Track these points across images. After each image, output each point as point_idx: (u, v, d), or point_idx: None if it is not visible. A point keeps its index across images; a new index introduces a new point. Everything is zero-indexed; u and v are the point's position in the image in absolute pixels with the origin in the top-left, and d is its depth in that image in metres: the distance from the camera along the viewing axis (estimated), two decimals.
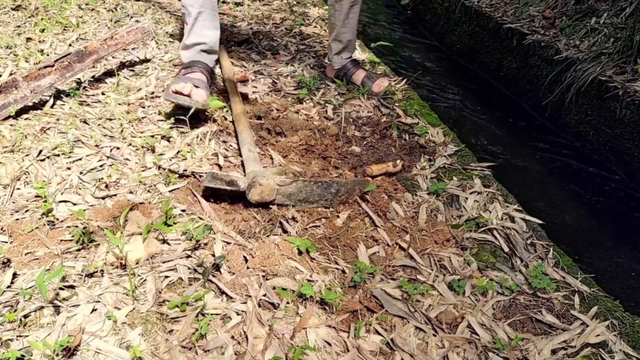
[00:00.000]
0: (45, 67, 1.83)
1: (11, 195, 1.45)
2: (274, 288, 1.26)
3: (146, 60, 2.33)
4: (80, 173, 1.56)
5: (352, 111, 2.16)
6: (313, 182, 1.52)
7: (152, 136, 1.78)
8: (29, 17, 2.57)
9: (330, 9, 2.24)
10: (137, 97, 2.01)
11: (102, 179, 1.53)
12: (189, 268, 1.28)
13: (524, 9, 3.24)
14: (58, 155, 1.63)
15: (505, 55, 3.16)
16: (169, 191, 1.53)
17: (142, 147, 1.71)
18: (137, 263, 1.27)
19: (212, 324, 1.14)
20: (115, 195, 1.49)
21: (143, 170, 1.61)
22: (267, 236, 1.41)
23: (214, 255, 1.32)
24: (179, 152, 1.71)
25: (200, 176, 1.62)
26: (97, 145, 1.70)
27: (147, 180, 1.56)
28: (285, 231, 1.45)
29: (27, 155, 1.61)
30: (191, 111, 1.77)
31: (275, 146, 1.83)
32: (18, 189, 1.48)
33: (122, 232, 1.31)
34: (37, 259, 1.26)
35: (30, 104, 1.84)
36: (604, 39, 2.69)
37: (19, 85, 1.76)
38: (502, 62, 3.18)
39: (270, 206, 1.51)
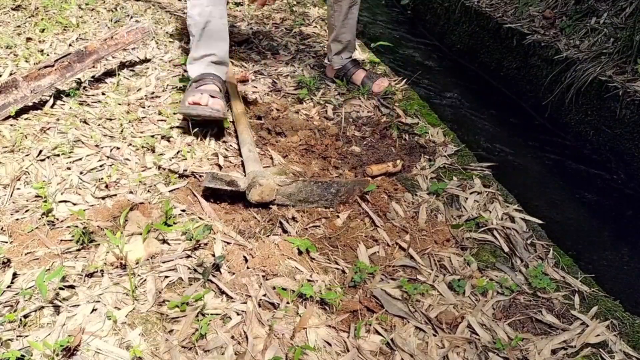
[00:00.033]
0: (45, 67, 1.83)
1: (11, 195, 1.45)
2: (274, 288, 1.26)
3: (146, 60, 2.33)
4: (80, 173, 1.56)
5: (352, 111, 2.16)
6: (313, 182, 1.52)
7: (152, 136, 1.78)
8: (29, 17, 2.57)
9: (329, 10, 2.24)
10: (137, 97, 2.01)
11: (102, 179, 1.53)
12: (189, 268, 1.28)
13: (524, 9, 3.24)
14: (58, 155, 1.63)
15: (505, 55, 3.16)
16: (169, 191, 1.53)
17: (142, 147, 1.71)
18: (137, 263, 1.27)
19: (212, 324, 1.14)
20: (115, 195, 1.49)
21: (143, 170, 1.61)
22: (267, 236, 1.41)
23: (214, 255, 1.32)
24: (179, 152, 1.71)
25: (200, 176, 1.62)
26: (97, 145, 1.70)
27: (147, 180, 1.57)
28: (285, 231, 1.45)
29: (27, 155, 1.61)
30: (214, 116, 1.71)
31: (275, 146, 1.83)
32: (18, 189, 1.48)
33: (122, 232, 1.31)
34: (37, 259, 1.26)
35: (30, 104, 1.84)
36: (604, 39, 2.69)
37: (19, 85, 1.76)
38: (502, 62, 3.19)
39: (270, 206, 1.51)
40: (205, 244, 1.36)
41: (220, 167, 1.68)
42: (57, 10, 2.68)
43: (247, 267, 1.31)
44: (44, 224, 1.35)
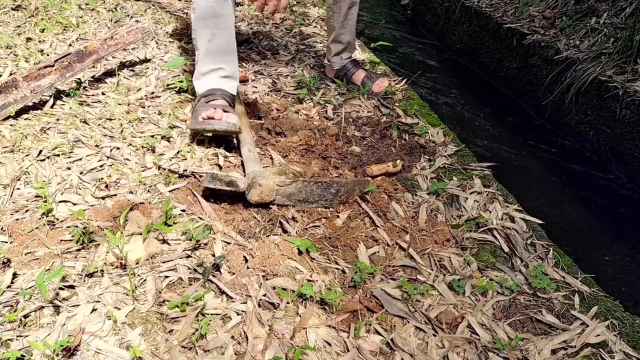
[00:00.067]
0: (45, 67, 1.83)
1: (11, 195, 1.45)
2: (274, 288, 1.26)
3: (146, 60, 2.33)
4: (80, 173, 1.56)
5: (352, 111, 2.16)
6: (313, 182, 1.52)
7: (152, 136, 1.78)
8: (29, 17, 2.57)
9: (329, 11, 2.24)
10: (137, 97, 2.01)
11: (102, 179, 1.53)
12: (189, 268, 1.28)
13: (524, 9, 3.24)
14: (58, 155, 1.63)
15: (505, 55, 3.16)
16: (169, 191, 1.53)
17: (142, 147, 1.71)
18: (137, 263, 1.27)
19: (212, 324, 1.14)
20: (115, 195, 1.49)
21: (143, 170, 1.61)
22: (267, 236, 1.41)
23: (214, 255, 1.32)
24: (179, 152, 1.71)
25: (200, 176, 1.62)
26: (97, 145, 1.70)
27: (147, 180, 1.56)
28: (285, 231, 1.45)
29: (27, 155, 1.61)
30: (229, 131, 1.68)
31: (275, 146, 1.83)
32: (18, 189, 1.48)
33: (122, 232, 1.31)
34: (37, 259, 1.26)
35: (30, 104, 1.84)
36: (604, 39, 2.69)
37: (19, 85, 1.76)
38: (502, 62, 3.19)
39: (270, 206, 1.51)
40: (205, 244, 1.36)
41: (220, 167, 1.68)
42: (57, 10, 2.68)
43: (247, 267, 1.31)
44: (44, 224, 1.35)
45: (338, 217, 1.53)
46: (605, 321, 1.30)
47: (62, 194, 1.47)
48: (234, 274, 1.28)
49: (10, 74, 1.98)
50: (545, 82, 2.80)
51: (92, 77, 2.12)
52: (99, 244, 1.31)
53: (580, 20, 2.91)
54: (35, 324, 1.10)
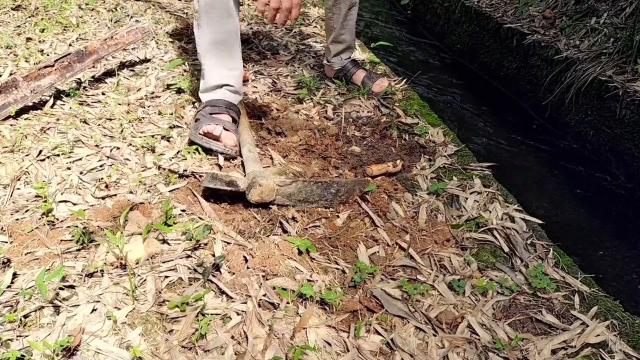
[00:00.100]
0: (45, 67, 1.83)
1: (11, 195, 1.45)
2: (274, 288, 1.26)
3: (146, 60, 2.33)
4: (80, 173, 1.56)
5: (352, 111, 2.16)
6: (313, 182, 1.52)
7: (152, 136, 1.78)
8: (29, 17, 2.57)
9: (328, 12, 2.23)
10: (137, 97, 2.01)
11: (102, 179, 1.53)
12: (189, 268, 1.28)
13: (524, 9, 3.24)
14: (58, 155, 1.63)
15: (505, 55, 3.16)
16: (169, 191, 1.53)
17: (142, 147, 1.71)
18: (137, 263, 1.27)
19: (212, 324, 1.14)
20: (115, 195, 1.49)
21: (143, 170, 1.61)
22: (267, 236, 1.41)
23: (214, 255, 1.32)
24: (179, 152, 1.71)
25: (200, 176, 1.62)
26: (97, 145, 1.70)
27: (147, 180, 1.57)
28: (285, 231, 1.45)
29: (27, 155, 1.61)
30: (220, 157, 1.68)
31: (275, 146, 1.83)
32: (18, 189, 1.48)
33: (122, 232, 1.31)
34: (37, 259, 1.26)
35: (30, 104, 1.84)
36: (604, 39, 2.69)
37: (19, 85, 1.76)
38: (502, 62, 3.19)
39: (270, 206, 1.51)
40: (205, 244, 1.36)
41: (220, 167, 1.68)
42: (57, 10, 2.68)
43: (247, 267, 1.31)
44: (44, 224, 1.35)
45: (338, 217, 1.53)
46: (605, 321, 1.30)
47: (62, 194, 1.47)
48: (234, 274, 1.28)
49: (10, 74, 1.98)
50: (545, 82, 2.80)
51: (92, 77, 2.12)
52: (99, 244, 1.31)
53: (580, 20, 2.91)
54: (35, 324, 1.11)
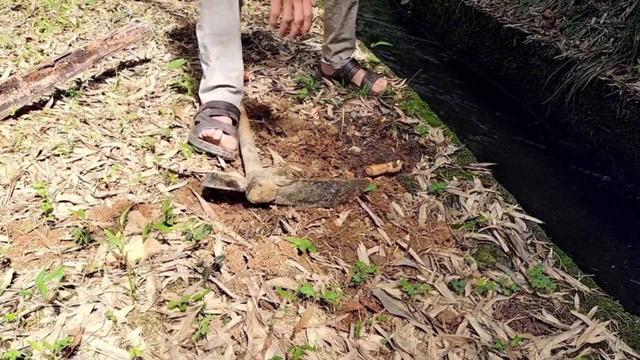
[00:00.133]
0: (45, 67, 1.83)
1: (11, 195, 1.45)
2: (274, 288, 1.26)
3: (146, 60, 2.33)
4: (80, 173, 1.56)
5: (352, 111, 2.16)
6: (313, 182, 1.52)
7: (152, 136, 1.78)
8: (29, 17, 2.57)
9: (328, 12, 2.22)
10: (137, 97, 2.01)
11: (102, 179, 1.53)
12: (189, 268, 1.28)
13: (524, 9, 3.24)
14: (58, 155, 1.63)
15: (505, 55, 3.16)
16: (169, 191, 1.53)
17: (142, 147, 1.71)
18: (137, 263, 1.27)
19: (212, 324, 1.14)
20: (115, 195, 1.49)
21: (143, 170, 1.61)
22: (267, 236, 1.41)
23: (214, 255, 1.32)
24: (179, 152, 1.71)
25: (200, 176, 1.62)
26: (97, 145, 1.70)
27: (147, 180, 1.57)
28: (285, 231, 1.45)
29: (27, 155, 1.61)
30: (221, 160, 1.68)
31: (275, 146, 1.83)
32: (18, 189, 1.48)
33: (122, 232, 1.31)
34: (37, 259, 1.26)
35: (30, 104, 1.84)
36: (604, 39, 2.69)
37: (19, 85, 1.76)
38: (502, 62, 3.19)
39: (270, 206, 1.51)
40: (205, 244, 1.36)
41: (222, 168, 1.68)
42: (57, 10, 2.68)
43: (247, 267, 1.31)
44: (44, 224, 1.35)
45: (338, 217, 1.53)
46: (605, 321, 1.30)
47: (62, 194, 1.47)
48: (234, 274, 1.28)
49: (10, 74, 1.98)
50: (545, 82, 2.80)
51: (92, 77, 2.12)
52: (99, 244, 1.31)
53: (580, 20, 2.91)
54: (35, 324, 1.11)
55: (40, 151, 1.63)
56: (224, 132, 1.69)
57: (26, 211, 1.39)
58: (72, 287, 1.19)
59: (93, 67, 2.13)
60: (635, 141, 2.29)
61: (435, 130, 2.06)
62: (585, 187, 2.33)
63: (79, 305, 1.15)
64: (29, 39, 2.36)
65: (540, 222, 1.64)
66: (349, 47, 2.31)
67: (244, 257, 1.33)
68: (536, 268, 1.42)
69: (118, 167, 1.60)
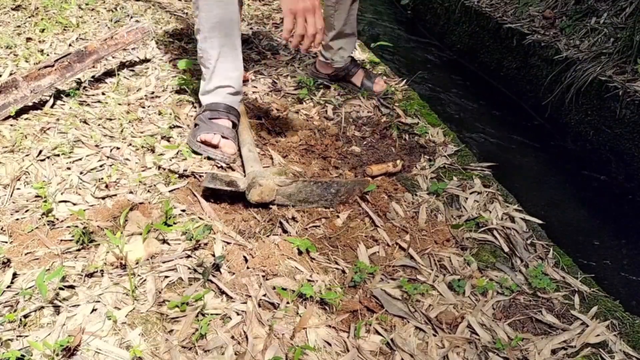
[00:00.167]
0: (45, 67, 1.83)
1: (11, 195, 1.45)
2: (274, 288, 1.26)
3: (146, 60, 2.33)
4: (80, 173, 1.56)
5: (352, 111, 2.16)
6: (313, 182, 1.52)
7: (152, 136, 1.78)
8: (29, 17, 2.57)
9: (329, 9, 2.20)
10: (137, 97, 2.01)
11: (102, 179, 1.53)
12: (189, 268, 1.28)
13: (524, 9, 3.24)
14: (58, 155, 1.63)
15: (505, 55, 3.16)
16: (169, 191, 1.53)
17: (142, 147, 1.71)
18: (137, 263, 1.27)
19: (212, 324, 1.14)
20: (115, 195, 1.49)
21: (143, 170, 1.61)
22: (267, 236, 1.41)
23: (214, 255, 1.32)
24: (179, 152, 1.71)
25: (200, 176, 1.62)
26: (97, 145, 1.70)
27: (147, 180, 1.57)
28: (285, 231, 1.45)
29: (27, 155, 1.61)
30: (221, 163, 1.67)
31: (275, 146, 1.83)
32: (18, 189, 1.48)
33: (122, 232, 1.31)
34: (37, 259, 1.26)
35: (30, 104, 1.84)
36: (604, 39, 2.69)
37: (19, 85, 1.76)
38: (502, 62, 3.19)
39: (270, 206, 1.51)
40: (205, 244, 1.36)
41: (220, 167, 1.68)
42: (57, 10, 2.68)
43: (247, 267, 1.31)
44: (44, 224, 1.35)
45: (338, 217, 1.53)
46: (605, 321, 1.30)
47: (62, 194, 1.47)
48: (234, 274, 1.28)
49: (10, 74, 1.98)
50: (545, 82, 2.80)
51: (92, 77, 2.12)
52: (99, 244, 1.31)
53: (580, 20, 2.91)
54: (35, 324, 1.11)
55: (40, 151, 1.63)
56: (223, 136, 1.69)
57: (26, 211, 1.39)
58: (72, 287, 1.19)
59: (93, 67, 2.13)
60: (635, 141, 2.29)
61: (435, 130, 2.06)
62: (585, 187, 2.33)
63: (79, 305, 1.15)
64: (29, 39, 2.36)
65: (540, 222, 1.64)
66: (351, 43, 2.29)
67: (244, 257, 1.33)
68: (536, 268, 1.42)
69: (118, 167, 1.60)
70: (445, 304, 1.29)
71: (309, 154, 1.82)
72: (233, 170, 1.68)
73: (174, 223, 1.39)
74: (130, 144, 1.72)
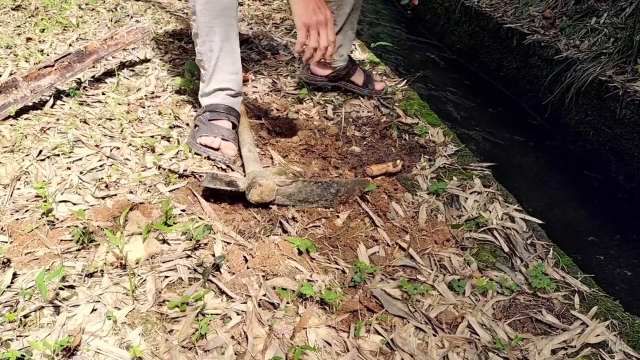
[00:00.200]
0: (45, 67, 1.83)
1: (11, 195, 1.45)
2: (274, 288, 1.26)
3: (146, 60, 2.33)
4: (80, 173, 1.56)
5: (352, 111, 2.16)
6: (313, 182, 1.52)
7: (152, 136, 1.78)
8: (29, 17, 2.57)
9: (332, 6, 2.18)
10: (137, 97, 2.01)
11: (102, 179, 1.53)
12: (189, 268, 1.28)
13: (524, 9, 3.24)
14: (58, 155, 1.63)
15: (505, 55, 3.16)
16: (169, 191, 1.53)
17: (142, 147, 1.71)
18: (137, 263, 1.27)
19: (212, 324, 1.14)
20: (115, 195, 1.49)
21: (143, 170, 1.61)
22: (267, 236, 1.41)
23: (214, 255, 1.32)
24: (179, 152, 1.71)
25: (200, 176, 1.62)
26: (97, 145, 1.70)
27: (147, 180, 1.57)
28: (285, 231, 1.45)
29: (27, 155, 1.61)
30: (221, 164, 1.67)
31: (275, 146, 1.83)
32: (18, 189, 1.48)
33: (122, 232, 1.31)
34: (37, 259, 1.26)
35: (30, 104, 1.84)
36: (604, 39, 2.69)
37: (19, 85, 1.76)
38: (502, 62, 3.19)
39: (270, 206, 1.51)
40: (205, 244, 1.36)
41: (220, 167, 1.68)
42: (57, 10, 2.68)
43: (247, 267, 1.31)
44: (44, 224, 1.35)
45: (338, 217, 1.53)
46: (605, 321, 1.30)
47: (62, 194, 1.47)
48: (234, 274, 1.28)
49: (10, 74, 1.98)
50: (545, 82, 2.80)
51: (92, 77, 2.12)
52: (99, 244, 1.31)
53: (580, 20, 2.91)
54: (35, 324, 1.11)
55: (40, 151, 1.63)
56: (223, 139, 1.68)
57: (26, 211, 1.39)
58: (72, 287, 1.19)
59: (93, 67, 2.13)
60: (635, 141, 2.29)
61: (435, 130, 2.06)
62: (585, 187, 2.33)
63: (79, 305, 1.15)
64: (29, 39, 2.36)
65: (540, 222, 1.64)
66: (350, 41, 2.26)
67: (244, 257, 1.33)
68: (536, 268, 1.42)
69: (118, 167, 1.60)
70: (445, 304, 1.29)
71: (309, 154, 1.82)
72: (233, 170, 1.68)
73: (174, 223, 1.39)
74: (130, 144, 1.72)
